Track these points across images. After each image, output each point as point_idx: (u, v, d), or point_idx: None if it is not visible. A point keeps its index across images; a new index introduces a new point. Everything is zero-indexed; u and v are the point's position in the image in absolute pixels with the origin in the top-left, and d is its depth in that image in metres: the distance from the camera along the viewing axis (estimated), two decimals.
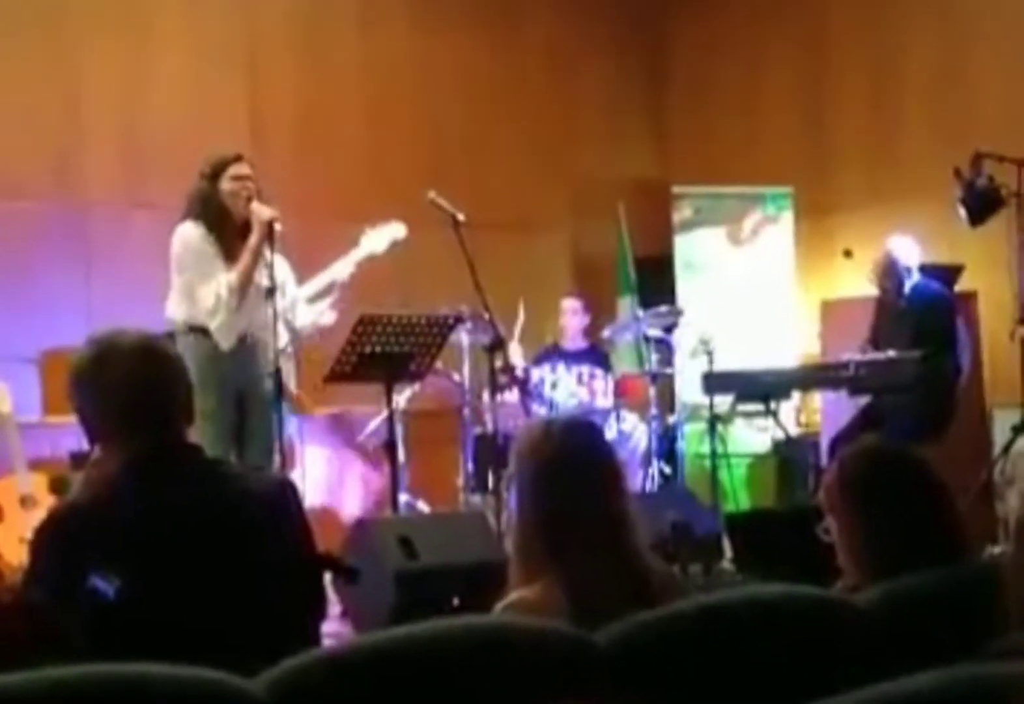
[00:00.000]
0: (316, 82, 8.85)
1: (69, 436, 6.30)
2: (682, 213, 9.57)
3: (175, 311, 5.54)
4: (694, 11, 10.19)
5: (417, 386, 7.27)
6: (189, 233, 5.40)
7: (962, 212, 6.87)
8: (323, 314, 5.85)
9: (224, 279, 5.32)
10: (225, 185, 5.41)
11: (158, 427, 2.55)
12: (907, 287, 7.27)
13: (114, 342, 2.59)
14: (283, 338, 5.47)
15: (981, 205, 6.77)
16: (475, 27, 9.51)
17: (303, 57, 8.85)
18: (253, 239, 5.32)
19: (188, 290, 5.43)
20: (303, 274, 5.89)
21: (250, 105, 8.56)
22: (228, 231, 5.40)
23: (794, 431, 8.59)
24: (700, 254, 9.56)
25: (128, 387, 2.53)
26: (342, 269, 6.02)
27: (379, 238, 6.29)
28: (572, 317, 8.52)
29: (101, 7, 8.07)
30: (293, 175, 7.94)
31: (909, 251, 7.32)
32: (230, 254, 5.39)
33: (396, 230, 6.36)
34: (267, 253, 5.35)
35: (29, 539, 2.54)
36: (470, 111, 9.39)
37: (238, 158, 5.52)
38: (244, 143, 7.33)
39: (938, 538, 2.62)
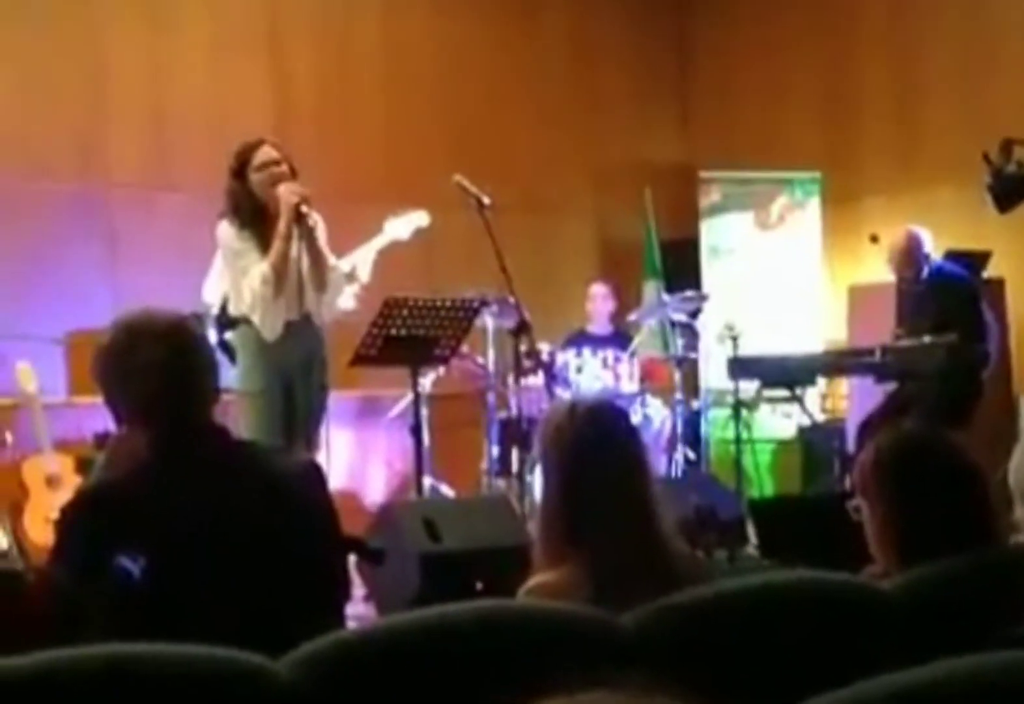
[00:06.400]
0: (338, 66, 8.85)
1: (95, 417, 6.32)
2: (709, 198, 9.55)
3: (226, 301, 5.60)
4: None
5: (442, 370, 7.27)
6: (224, 231, 5.38)
7: (990, 198, 6.82)
8: (347, 298, 5.85)
9: (257, 271, 5.30)
10: (253, 176, 5.37)
11: (185, 409, 2.56)
12: (925, 272, 7.23)
13: (142, 324, 2.59)
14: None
15: (1009, 191, 6.71)
16: (498, 11, 9.49)
17: (325, 41, 8.84)
18: (281, 225, 5.28)
19: (235, 286, 5.44)
20: None
21: (273, 89, 8.57)
22: (263, 223, 5.35)
23: (819, 417, 8.57)
24: (727, 239, 9.54)
25: (156, 370, 2.53)
26: (365, 255, 6.01)
27: (402, 225, 6.29)
28: (601, 302, 8.51)
29: None
30: (315, 159, 7.90)
31: (926, 238, 7.28)
32: (268, 245, 5.35)
33: (419, 218, 6.36)
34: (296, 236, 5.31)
35: (55, 519, 2.54)
36: (494, 94, 9.37)
37: (260, 144, 5.43)
38: (267, 127, 7.33)
39: (972, 526, 2.60)
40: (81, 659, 1.77)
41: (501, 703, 1.11)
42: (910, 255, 7.22)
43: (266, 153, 5.38)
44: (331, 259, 5.47)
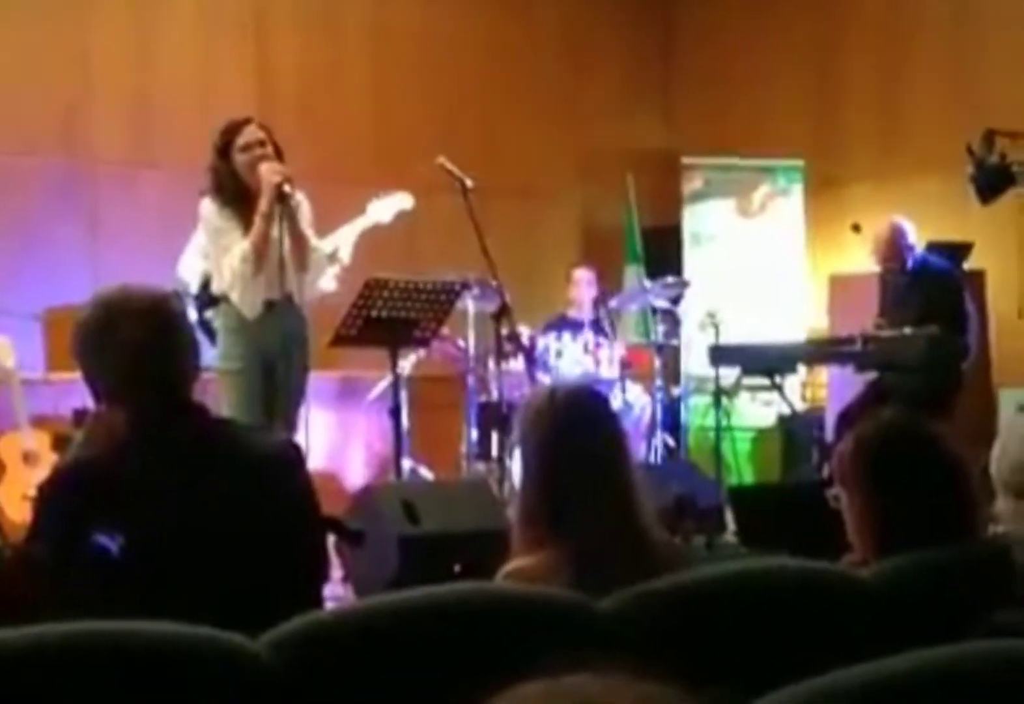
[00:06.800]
0: (324, 46, 8.83)
1: (72, 393, 6.30)
2: (692, 184, 9.55)
3: (207, 279, 5.56)
4: None
5: (422, 352, 7.26)
6: (206, 209, 5.35)
7: (972, 190, 6.83)
8: (328, 279, 5.83)
9: (237, 249, 5.27)
10: (237, 156, 5.32)
11: (164, 386, 2.54)
12: (909, 263, 7.24)
13: (121, 301, 2.57)
14: None
15: (992, 183, 6.72)
16: None
17: (311, 21, 8.82)
18: (263, 204, 5.24)
19: (216, 264, 5.41)
20: None
21: (257, 69, 8.54)
22: (246, 202, 5.30)
23: (799, 406, 8.58)
24: (708, 226, 9.54)
25: (134, 347, 2.51)
26: (346, 236, 5.99)
27: (385, 208, 6.28)
28: (585, 287, 8.47)
29: None
30: (300, 140, 7.88)
31: (910, 229, 7.29)
32: (250, 224, 5.31)
33: (403, 200, 6.34)
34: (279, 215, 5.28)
35: (33, 496, 2.53)
36: (480, 79, 9.35)
37: (246, 122, 5.35)
38: (251, 106, 7.31)
39: (951, 515, 2.60)
40: (59, 636, 1.77)
41: (479, 687, 1.10)
42: (894, 245, 7.23)
43: (251, 133, 5.32)
44: (313, 240, 5.44)
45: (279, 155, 5.34)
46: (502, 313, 6.37)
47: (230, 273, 5.28)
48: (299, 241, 5.31)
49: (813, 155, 9.37)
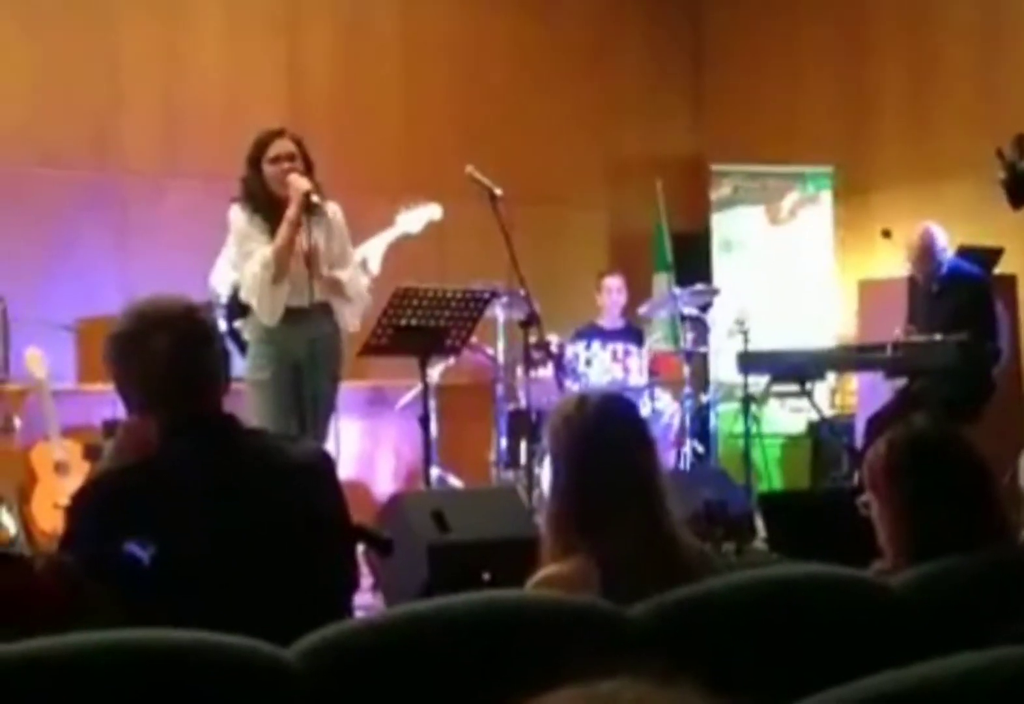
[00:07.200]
0: (354, 56, 8.84)
1: (103, 404, 6.34)
2: (720, 191, 9.53)
3: (236, 288, 5.57)
4: None
5: (451, 360, 7.26)
6: (235, 216, 5.37)
7: (1003, 194, 6.79)
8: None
9: (258, 255, 5.28)
10: (266, 168, 5.34)
11: (196, 397, 2.56)
12: (943, 269, 7.21)
13: (151, 312, 2.58)
14: None
15: (1023, 187, 6.69)
16: (514, 3, 9.48)
17: (342, 29, 8.84)
18: (290, 211, 5.25)
19: (240, 270, 5.42)
20: None
21: (287, 79, 8.57)
22: (275, 211, 5.32)
23: (829, 412, 8.55)
24: (738, 233, 9.53)
25: (165, 358, 2.52)
26: (375, 248, 6.00)
27: (414, 218, 6.29)
28: (616, 295, 8.45)
29: None
30: (329, 149, 7.90)
31: (942, 234, 7.26)
32: (276, 232, 5.33)
33: (432, 211, 6.35)
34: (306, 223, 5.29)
35: (66, 505, 2.55)
36: (508, 86, 9.36)
37: (277, 134, 5.36)
38: (282, 115, 7.34)
39: (982, 523, 2.60)
40: (88, 645, 1.78)
41: (509, 695, 1.10)
42: (929, 252, 7.20)
43: (281, 146, 5.33)
44: (347, 274, 5.44)
45: (309, 168, 5.35)
46: (531, 321, 6.37)
47: (251, 279, 5.29)
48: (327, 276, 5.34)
49: (842, 161, 9.35)
